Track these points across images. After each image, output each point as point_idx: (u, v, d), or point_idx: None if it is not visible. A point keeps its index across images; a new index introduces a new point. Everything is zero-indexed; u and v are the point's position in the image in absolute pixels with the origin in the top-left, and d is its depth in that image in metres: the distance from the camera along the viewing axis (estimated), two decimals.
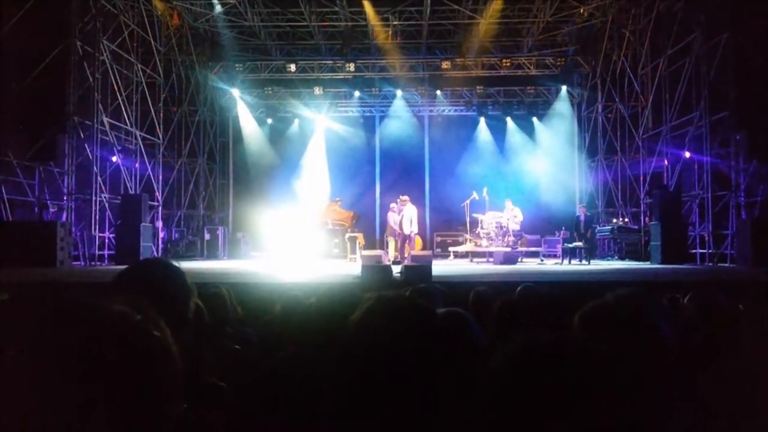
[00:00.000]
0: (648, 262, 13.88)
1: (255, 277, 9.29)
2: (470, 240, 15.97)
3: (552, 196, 18.76)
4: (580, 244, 14.07)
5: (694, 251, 13.57)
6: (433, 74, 19.45)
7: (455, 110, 20.79)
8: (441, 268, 11.61)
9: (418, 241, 16.57)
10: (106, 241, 14.45)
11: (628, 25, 16.39)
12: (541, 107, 20.29)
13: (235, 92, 19.78)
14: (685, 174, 14.60)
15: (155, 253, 15.32)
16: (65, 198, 13.78)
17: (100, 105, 13.84)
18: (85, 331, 0.81)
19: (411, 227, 14.39)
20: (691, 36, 13.59)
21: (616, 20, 16.94)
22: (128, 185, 15.30)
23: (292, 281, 8.35)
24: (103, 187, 14.19)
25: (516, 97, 20.19)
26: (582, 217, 14.63)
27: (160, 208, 16.66)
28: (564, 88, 19.65)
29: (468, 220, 15.79)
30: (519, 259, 14.69)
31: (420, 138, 20.78)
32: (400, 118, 20.55)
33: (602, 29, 17.66)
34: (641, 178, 15.95)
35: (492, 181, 17.23)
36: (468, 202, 15.68)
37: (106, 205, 14.28)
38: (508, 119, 20.31)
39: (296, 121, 20.85)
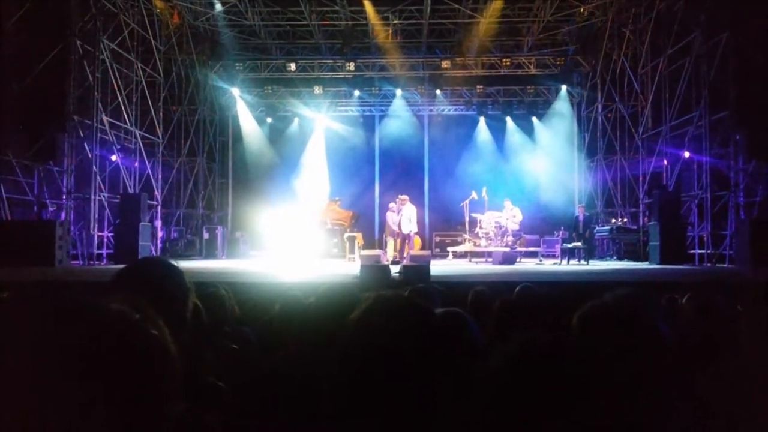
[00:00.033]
0: (647, 263, 13.88)
1: (254, 277, 9.29)
2: (469, 240, 15.97)
3: (551, 196, 18.77)
4: (578, 244, 14.07)
5: (692, 252, 13.56)
6: (433, 73, 19.45)
7: (455, 110, 20.79)
8: (440, 268, 11.61)
9: (417, 240, 16.57)
10: (105, 240, 14.44)
11: (629, 25, 16.39)
12: (541, 107, 20.30)
13: (235, 91, 19.77)
14: (684, 174, 14.60)
15: (154, 252, 15.32)
16: (64, 197, 13.77)
17: (99, 104, 13.83)
18: (84, 330, 0.81)
19: (410, 227, 14.39)
20: (691, 36, 13.58)
21: (617, 19, 16.93)
22: (127, 184, 15.29)
23: (291, 281, 8.35)
24: (102, 186, 14.18)
25: (516, 97, 20.20)
26: (581, 217, 14.63)
27: (159, 207, 16.66)
28: (564, 87, 19.65)
29: (467, 219, 15.79)
30: (518, 259, 14.69)
31: (419, 137, 20.78)
32: (399, 117, 20.55)
33: (602, 28, 17.66)
34: (640, 178, 15.94)
35: (491, 181, 17.24)
36: (467, 201, 15.68)
37: (105, 204, 14.28)
38: (508, 119, 20.30)
39: (296, 121, 20.84)
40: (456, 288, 5.39)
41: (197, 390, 1.90)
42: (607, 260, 16.07)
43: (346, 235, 15.83)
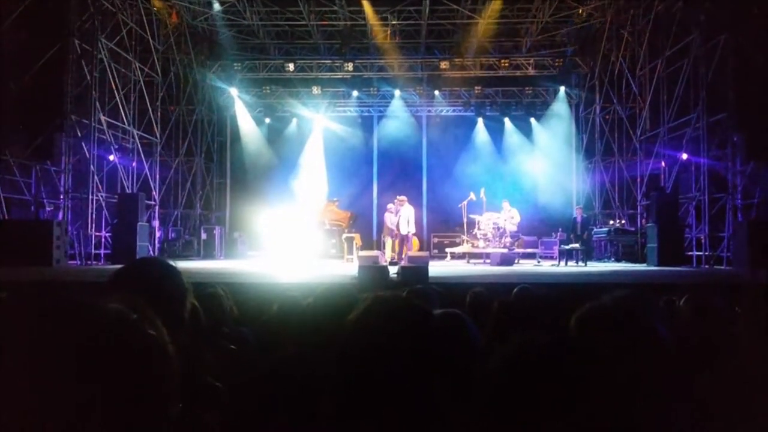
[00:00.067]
0: (644, 264, 13.90)
1: (252, 277, 9.28)
2: (467, 241, 15.97)
3: (549, 198, 18.76)
4: (576, 245, 14.07)
5: (690, 253, 13.57)
6: (431, 74, 19.45)
7: (453, 110, 20.79)
8: (438, 269, 11.60)
9: (415, 241, 16.55)
10: (103, 240, 14.42)
11: (627, 26, 16.41)
12: (539, 108, 20.30)
13: (233, 91, 19.76)
14: (682, 176, 14.62)
15: (152, 252, 15.31)
16: (62, 197, 13.75)
17: (97, 103, 13.82)
18: (81, 330, 0.81)
19: (408, 228, 14.39)
20: (690, 37, 13.60)
21: (615, 21, 16.95)
22: (125, 184, 15.27)
23: (289, 281, 8.34)
24: (100, 186, 14.16)
25: (514, 98, 20.20)
26: (579, 219, 14.63)
27: (157, 207, 16.64)
28: (562, 88, 19.66)
29: (465, 221, 15.78)
30: (516, 261, 14.68)
31: (418, 138, 20.78)
32: (398, 118, 20.55)
33: (601, 30, 17.68)
34: (638, 180, 15.96)
35: (489, 182, 17.24)
36: (465, 202, 15.66)
37: (103, 204, 14.26)
38: (506, 120, 20.32)
39: (294, 121, 20.84)
40: (454, 289, 5.40)
41: (195, 390, 1.90)
42: (604, 262, 16.08)
43: (345, 235, 15.81)
